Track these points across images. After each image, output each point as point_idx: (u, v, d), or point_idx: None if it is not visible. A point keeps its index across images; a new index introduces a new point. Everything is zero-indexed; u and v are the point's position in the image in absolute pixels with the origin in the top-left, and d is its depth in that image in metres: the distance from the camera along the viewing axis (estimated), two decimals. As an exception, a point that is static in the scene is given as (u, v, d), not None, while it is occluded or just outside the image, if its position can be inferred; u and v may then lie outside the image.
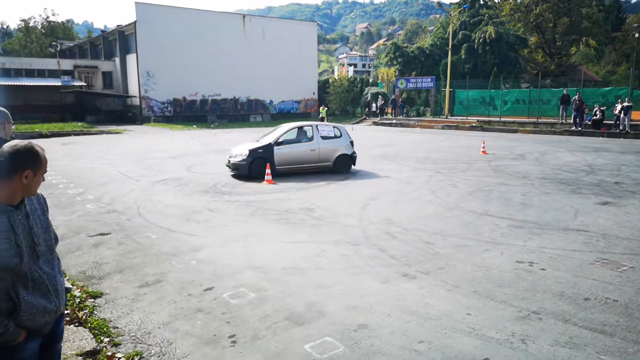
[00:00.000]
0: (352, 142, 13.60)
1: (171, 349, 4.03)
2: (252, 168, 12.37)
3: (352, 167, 13.59)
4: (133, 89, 39.83)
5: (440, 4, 42.55)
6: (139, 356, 3.93)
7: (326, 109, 36.68)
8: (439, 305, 4.80)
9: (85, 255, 6.58)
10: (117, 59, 42.10)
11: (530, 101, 31.17)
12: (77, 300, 4.94)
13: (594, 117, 24.74)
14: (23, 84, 37.23)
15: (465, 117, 33.27)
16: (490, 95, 33.68)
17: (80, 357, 3.84)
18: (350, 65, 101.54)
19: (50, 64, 41.02)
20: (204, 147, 21.27)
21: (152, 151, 19.26)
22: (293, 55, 44.47)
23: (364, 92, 45.69)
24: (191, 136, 27.53)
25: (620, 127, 23.52)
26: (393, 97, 40.79)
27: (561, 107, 27.37)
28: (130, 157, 17.14)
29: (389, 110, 40.90)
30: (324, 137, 13.28)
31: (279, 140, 12.75)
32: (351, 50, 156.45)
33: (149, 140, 25.23)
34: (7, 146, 2.23)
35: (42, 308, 2.29)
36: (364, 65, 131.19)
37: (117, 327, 4.44)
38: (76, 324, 4.42)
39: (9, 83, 36.46)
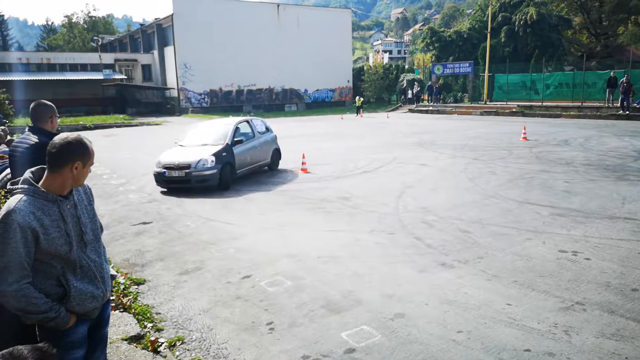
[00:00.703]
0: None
1: (211, 335, 4.14)
2: (222, 177, 9.98)
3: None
4: (171, 81, 40.67)
5: (478, -14, 41.25)
6: (180, 341, 4.05)
7: (362, 99, 36.38)
8: (477, 295, 4.72)
9: (129, 243, 6.81)
10: (156, 52, 43.03)
11: (574, 84, 29.92)
12: (122, 287, 5.13)
13: (644, 100, 23.53)
14: (67, 78, 38.67)
15: (505, 103, 32.32)
16: (531, 79, 32.54)
17: (125, 342, 4.00)
18: (385, 52, 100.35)
19: (93, 58, 42.36)
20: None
21: (190, 142, 19.58)
22: (327, 43, 44.27)
23: (400, 79, 45.02)
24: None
25: (672, 110, 22.30)
26: (429, 83, 40.03)
27: (607, 90, 26.13)
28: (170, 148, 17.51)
29: (425, 97, 40.20)
30: (260, 133, 12.16)
31: (235, 139, 10.77)
32: (386, 36, 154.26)
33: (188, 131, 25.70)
34: (58, 138, 2.33)
35: (90, 294, 2.40)
36: (399, 52, 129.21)
37: (159, 313, 4.59)
38: (121, 310, 4.59)
39: (55, 77, 37.93)
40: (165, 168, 9.85)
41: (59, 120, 3.98)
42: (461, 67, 37.97)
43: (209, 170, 9.78)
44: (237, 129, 11.27)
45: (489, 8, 37.05)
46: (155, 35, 42.59)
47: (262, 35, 41.23)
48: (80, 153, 2.33)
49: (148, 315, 4.51)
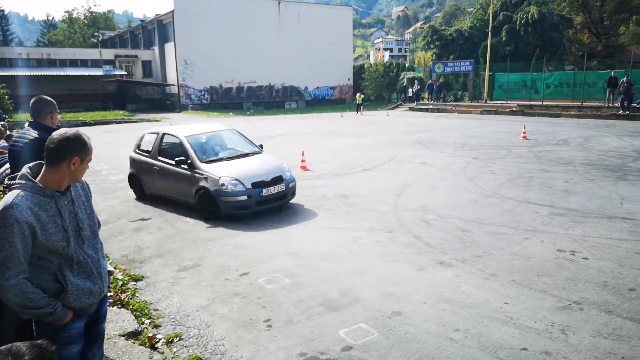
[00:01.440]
0: None
1: (209, 332, 4.14)
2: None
3: None
4: (171, 77, 40.62)
5: (479, -15, 41.17)
6: (178, 337, 4.06)
7: (362, 95, 36.33)
8: (475, 293, 4.72)
9: (127, 239, 6.81)
10: (156, 48, 42.96)
11: (575, 84, 29.89)
12: (120, 282, 5.13)
13: (644, 100, 23.52)
14: (67, 73, 38.61)
15: (505, 102, 32.28)
16: (532, 79, 32.51)
17: (123, 337, 4.00)
18: (386, 49, 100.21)
19: (93, 54, 42.30)
20: (240, 134, 21.50)
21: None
22: (328, 41, 44.20)
23: (400, 77, 44.98)
24: (228, 123, 27.87)
25: (673, 111, 22.29)
26: (430, 81, 39.99)
27: (608, 90, 26.12)
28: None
29: (425, 96, 40.16)
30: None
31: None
32: (387, 34, 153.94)
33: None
34: (56, 134, 2.33)
35: (87, 290, 2.40)
36: (400, 50, 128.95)
37: (157, 310, 4.60)
38: (119, 306, 4.60)
39: (55, 73, 37.89)
40: (256, 186, 7.64)
41: (59, 116, 3.98)
42: (462, 66, 37.92)
43: (292, 180, 8.38)
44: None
45: (490, 7, 36.97)
46: (156, 31, 42.51)
47: (262, 32, 41.18)
48: (79, 149, 2.33)
49: (146, 311, 4.52)
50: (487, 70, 34.43)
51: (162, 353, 3.85)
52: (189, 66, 39.02)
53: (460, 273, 5.26)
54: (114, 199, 9.27)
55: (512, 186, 9.47)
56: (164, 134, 8.80)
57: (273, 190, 7.79)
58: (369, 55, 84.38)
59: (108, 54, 43.10)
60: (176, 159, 7.98)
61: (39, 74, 36.79)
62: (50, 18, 78.69)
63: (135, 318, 4.37)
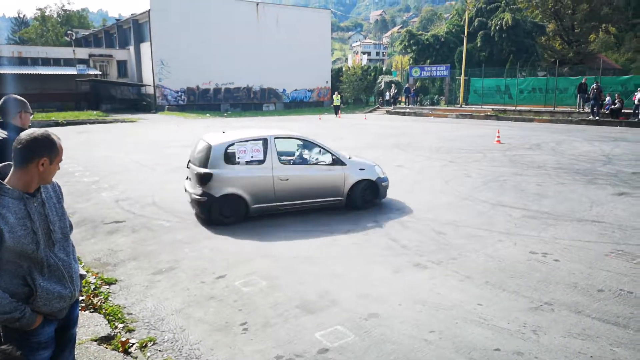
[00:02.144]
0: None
1: (184, 336, 4.09)
2: None
3: None
4: (147, 77, 40.05)
5: (455, -9, 41.82)
6: (152, 342, 3.99)
7: (340, 96, 36.44)
8: (450, 295, 4.79)
9: (101, 242, 6.68)
10: (132, 48, 42.30)
11: (547, 90, 30.64)
12: (92, 286, 5.03)
13: (612, 106, 24.25)
14: (39, 72, 37.67)
15: (480, 106, 32.86)
16: (505, 84, 33.18)
17: (95, 342, 3.92)
18: (364, 53, 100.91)
19: (66, 52, 41.37)
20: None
21: (167, 140, 19.38)
22: (306, 44, 44.26)
23: (378, 81, 45.36)
24: (205, 125, 27.63)
25: (640, 117, 23.04)
26: (407, 85, 40.42)
27: (578, 95, 26.86)
28: (144, 146, 17.29)
29: (403, 99, 40.58)
30: None
31: None
32: (365, 38, 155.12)
33: (163, 129, 25.41)
34: (24, 134, 2.27)
35: (58, 294, 2.34)
36: (377, 54, 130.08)
37: (131, 314, 4.52)
38: (91, 310, 4.51)
39: (26, 72, 36.92)
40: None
41: (31, 117, 3.88)
42: (438, 70, 38.45)
43: None
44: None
45: (466, 13, 37.62)
46: (132, 30, 41.87)
47: (241, 33, 40.99)
48: (47, 149, 2.28)
49: (119, 315, 4.44)
50: (462, 75, 35.00)
51: (136, 358, 3.78)
52: (166, 67, 38.55)
53: (436, 275, 5.32)
54: (87, 201, 9.08)
55: (486, 189, 9.64)
56: (275, 138, 7.74)
57: None
58: (347, 59, 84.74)
59: (82, 53, 42.23)
60: (326, 159, 8.05)
61: (9, 72, 35.78)
62: (21, 15, 76.45)
63: (108, 322, 4.28)
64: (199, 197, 7.17)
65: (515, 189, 9.62)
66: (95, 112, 33.64)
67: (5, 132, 3.53)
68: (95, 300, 4.68)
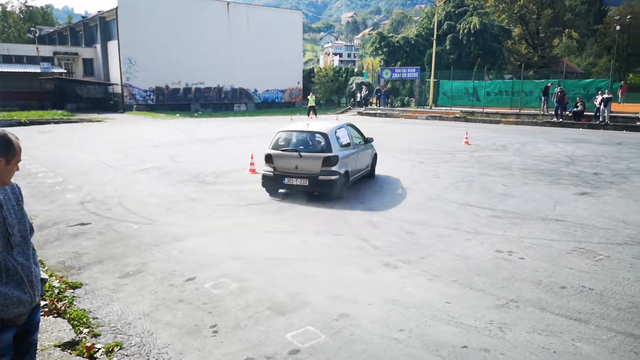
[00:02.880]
0: None
1: (152, 339, 4.01)
2: None
3: None
4: (115, 76, 39.16)
5: (425, -6, 42.46)
6: (119, 347, 3.90)
7: (314, 97, 36.49)
8: (419, 294, 4.85)
9: (65, 245, 6.49)
10: (98, 46, 41.27)
11: (513, 92, 31.43)
12: (56, 290, 4.88)
13: (575, 109, 25.07)
14: (1, 70, 36.33)
15: (449, 108, 33.44)
16: (473, 87, 33.87)
17: (59, 348, 3.81)
18: (335, 54, 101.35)
19: (29, 50, 40.01)
20: (187, 136, 21.06)
21: (134, 140, 19.01)
22: (278, 44, 44.12)
23: (349, 82, 45.63)
24: (174, 125, 27.23)
25: (600, 119, 23.89)
26: (378, 87, 40.80)
27: (543, 98, 27.67)
28: (111, 146, 16.90)
29: (374, 101, 40.93)
30: None
31: None
32: (337, 39, 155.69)
33: (131, 128, 24.91)
34: (-22, 134, 2.18)
35: (16, 299, 2.26)
36: (349, 55, 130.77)
37: (96, 318, 4.41)
38: (55, 315, 4.37)
39: (-14, 69, 35.56)
40: None
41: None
42: (408, 72, 38.94)
43: None
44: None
45: (435, 16, 38.25)
46: (98, 28, 40.84)
47: (211, 33, 40.54)
48: (3, 149, 2.20)
49: (84, 320, 4.32)
50: (432, 77, 35.54)
51: (101, 363, 3.69)
52: (134, 65, 37.78)
53: (405, 274, 5.38)
54: (50, 203, 8.81)
55: (455, 189, 9.81)
56: (347, 125, 10.26)
57: None
58: (318, 60, 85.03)
59: (46, 50, 40.93)
60: (362, 140, 10.46)
61: (-32, 69, 34.44)
62: (-19, 10, 73.58)
63: (73, 327, 4.16)
64: (329, 177, 8.70)
65: (483, 189, 9.84)
66: (60, 112, 32.65)
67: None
68: (59, 305, 4.54)
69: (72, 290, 5.00)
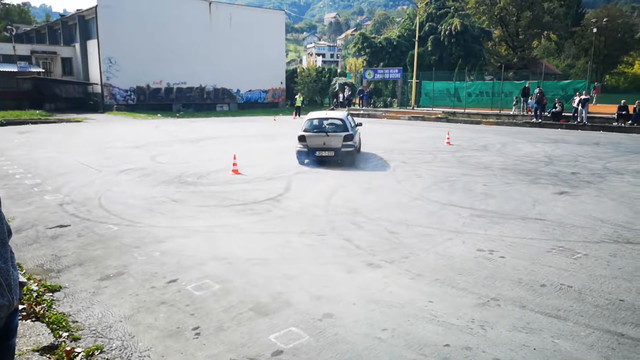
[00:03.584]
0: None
1: (133, 342, 3.97)
2: None
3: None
4: (94, 76, 38.57)
5: (407, -4, 42.76)
6: (99, 350, 3.85)
7: (302, 97, 36.51)
8: (402, 293, 4.89)
9: (44, 247, 6.37)
10: (77, 45, 40.59)
11: (494, 93, 31.86)
12: (35, 294, 4.79)
13: (554, 110, 25.52)
14: (-24, 69, 35.50)
15: (431, 109, 33.74)
16: (455, 87, 34.25)
17: (37, 353, 3.74)
18: (318, 55, 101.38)
19: (5, 48, 39.15)
20: (169, 136, 20.85)
21: (115, 140, 18.75)
22: (260, 44, 43.98)
23: (332, 83, 45.69)
24: (155, 125, 26.94)
25: (578, 119, 24.36)
26: (361, 87, 40.95)
27: (522, 99, 28.10)
28: (91, 147, 16.65)
29: (357, 101, 41.06)
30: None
31: None
32: (319, 40, 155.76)
33: (111, 129, 24.56)
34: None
35: (-7, 303, 2.21)
36: (332, 56, 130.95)
37: (76, 322, 4.34)
38: (33, 319, 4.29)
39: (-40, 68, 34.68)
40: None
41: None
42: (391, 73, 39.18)
43: None
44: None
45: (417, 17, 38.54)
46: (77, 27, 40.17)
47: (193, 32, 40.20)
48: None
49: (64, 324, 4.25)
50: (414, 78, 35.82)
51: (81, 367, 3.63)
52: (114, 65, 37.27)
53: (388, 274, 5.42)
54: (28, 205, 8.64)
55: (437, 189, 9.91)
56: (348, 114, 14.49)
57: None
58: (301, 60, 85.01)
59: (23, 49, 40.10)
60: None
61: (-58, 68, 33.54)
62: (-45, 8, 71.72)
63: (52, 331, 4.09)
64: (347, 149, 12.43)
65: (464, 189, 9.95)
66: (38, 112, 32.04)
67: None
68: (37, 309, 4.46)
69: (51, 294, 4.91)
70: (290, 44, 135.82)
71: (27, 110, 32.75)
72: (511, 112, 28.40)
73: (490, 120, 28.12)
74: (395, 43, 46.10)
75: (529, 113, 27.35)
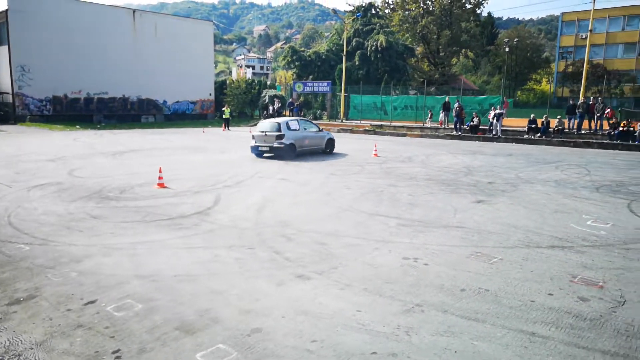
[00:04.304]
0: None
1: (45, 371, 3.68)
2: None
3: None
4: (5, 84, 35.78)
5: (335, 11, 43.83)
6: (5, 382, 3.54)
7: (230, 109, 36.07)
8: (331, 304, 4.93)
9: (-59, 272, 5.77)
10: (-15, 51, 37.56)
11: (417, 107, 33.36)
12: None
13: (472, 123, 27.11)
14: None
15: (359, 121, 34.64)
16: (381, 101, 35.45)
17: None
18: (248, 67, 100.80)
19: None
20: (89, 149, 19.77)
21: (27, 154, 17.49)
22: (188, 55, 43.04)
23: (262, 95, 45.60)
24: (74, 137, 25.46)
25: (494, 132, 26.04)
26: (291, 100, 41.19)
27: (443, 113, 29.63)
28: (0, 160, 15.39)
29: (287, 113, 41.24)
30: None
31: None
32: (249, 52, 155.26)
33: (24, 141, 22.88)
34: None
35: None
36: (262, 68, 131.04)
37: (-21, 352, 3.96)
38: None
39: None
40: None
41: None
42: (320, 86, 39.84)
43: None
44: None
45: (344, 33, 39.57)
46: (-16, 31, 37.21)
47: (116, 41, 38.55)
48: None
49: (-37, 355, 3.86)
50: (342, 91, 36.65)
51: (-16, 403, 3.31)
52: (27, 73, 34.83)
53: (318, 285, 5.45)
54: None
55: (365, 200, 10.15)
56: (300, 120, 18.47)
57: None
58: (231, 72, 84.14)
59: None
60: (316, 129, 18.70)
61: None
62: None
63: (-51, 365, 3.70)
64: (279, 146, 16.48)
65: (391, 199, 10.27)
66: (-64, 122, 29.18)
67: None
68: None
69: (-51, 323, 4.45)
70: (219, 55, 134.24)
71: None
72: (426, 125, 30.03)
73: (415, 132, 29.34)
74: (324, 57, 46.99)
75: (441, 126, 29.07)
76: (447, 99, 29.61)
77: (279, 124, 16.69)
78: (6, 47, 34.64)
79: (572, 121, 25.60)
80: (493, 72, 66.25)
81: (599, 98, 26.50)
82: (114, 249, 6.68)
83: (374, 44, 44.25)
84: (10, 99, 35.13)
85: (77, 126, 32.85)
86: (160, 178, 11.51)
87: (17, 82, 34.62)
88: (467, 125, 27.42)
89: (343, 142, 24.12)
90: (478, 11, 51.66)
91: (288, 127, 16.83)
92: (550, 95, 49.92)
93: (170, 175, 12.46)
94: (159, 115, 42.67)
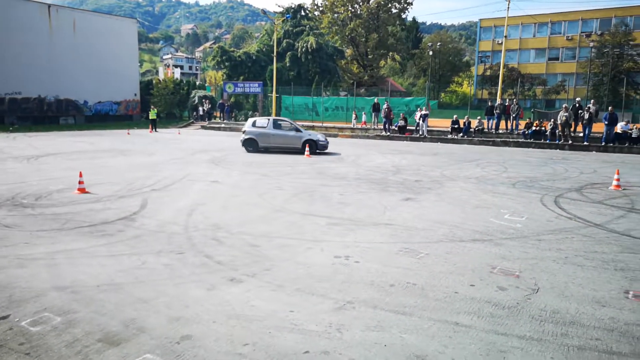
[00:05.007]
0: None
1: (-52, 397, 3.37)
2: None
3: None
4: None
5: (264, 12, 43.60)
6: None
7: (156, 110, 34.76)
8: (263, 306, 4.90)
9: None
10: None
11: (347, 108, 33.99)
12: None
13: (400, 124, 28.04)
14: None
15: (291, 122, 34.69)
16: (313, 102, 35.76)
17: None
18: (176, 66, 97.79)
19: None
20: (-1, 153, 18.29)
21: None
22: (110, 53, 41.05)
23: (191, 95, 44.46)
24: (-18, 141, 23.44)
25: (420, 132, 27.09)
26: (221, 100, 40.51)
27: (372, 114, 30.42)
28: None
29: (217, 114, 40.51)
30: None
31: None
32: (177, 51, 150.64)
33: None
34: None
35: None
36: (190, 68, 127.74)
37: None
38: None
39: None
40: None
41: None
42: (251, 87, 39.51)
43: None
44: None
45: (275, 34, 39.48)
46: None
47: (29, 37, 35.97)
48: None
49: None
50: (274, 92, 36.55)
51: None
52: None
53: (250, 288, 5.40)
54: None
55: (297, 200, 10.19)
56: (274, 120, 20.33)
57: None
58: (157, 71, 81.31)
59: None
60: (293, 129, 19.90)
61: None
62: None
63: None
64: (244, 138, 19.68)
65: (322, 198, 10.38)
66: None
67: None
68: None
69: None
70: (145, 54, 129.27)
71: None
72: (352, 126, 30.80)
73: (346, 133, 29.87)
74: (254, 57, 46.60)
75: (364, 126, 29.97)
76: (376, 100, 30.42)
77: (252, 120, 20.16)
78: None
79: (491, 121, 27.21)
80: (419, 74, 68.96)
81: (514, 100, 28.37)
82: (29, 260, 6.22)
83: (305, 45, 44.52)
84: None
85: (-14, 128, 30.29)
86: (80, 183, 10.87)
87: None
88: (396, 126, 28.32)
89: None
90: (403, 16, 53.59)
91: (253, 125, 19.67)
92: (471, 97, 52.78)
93: (92, 180, 11.82)
94: (80, 117, 40.35)
